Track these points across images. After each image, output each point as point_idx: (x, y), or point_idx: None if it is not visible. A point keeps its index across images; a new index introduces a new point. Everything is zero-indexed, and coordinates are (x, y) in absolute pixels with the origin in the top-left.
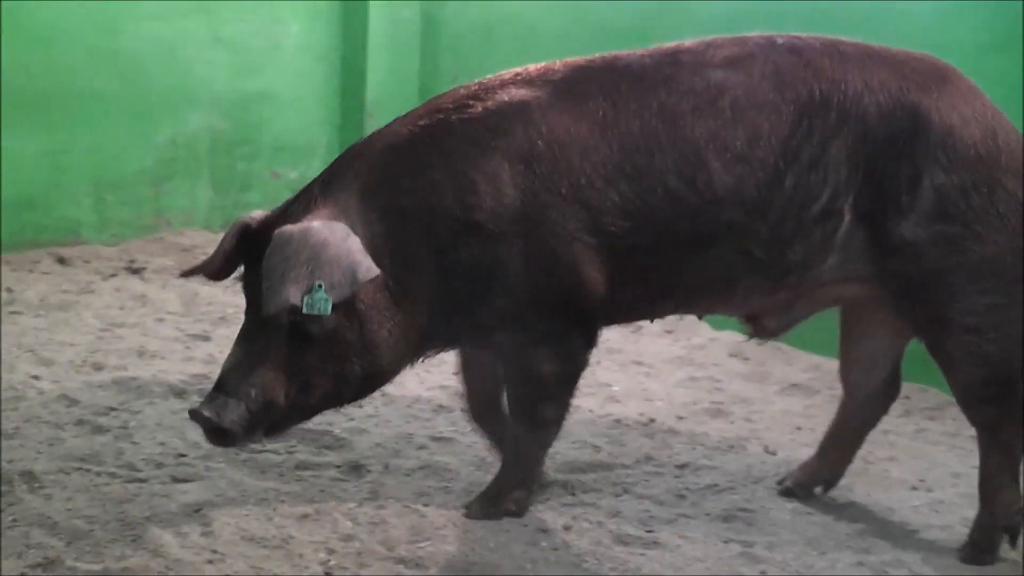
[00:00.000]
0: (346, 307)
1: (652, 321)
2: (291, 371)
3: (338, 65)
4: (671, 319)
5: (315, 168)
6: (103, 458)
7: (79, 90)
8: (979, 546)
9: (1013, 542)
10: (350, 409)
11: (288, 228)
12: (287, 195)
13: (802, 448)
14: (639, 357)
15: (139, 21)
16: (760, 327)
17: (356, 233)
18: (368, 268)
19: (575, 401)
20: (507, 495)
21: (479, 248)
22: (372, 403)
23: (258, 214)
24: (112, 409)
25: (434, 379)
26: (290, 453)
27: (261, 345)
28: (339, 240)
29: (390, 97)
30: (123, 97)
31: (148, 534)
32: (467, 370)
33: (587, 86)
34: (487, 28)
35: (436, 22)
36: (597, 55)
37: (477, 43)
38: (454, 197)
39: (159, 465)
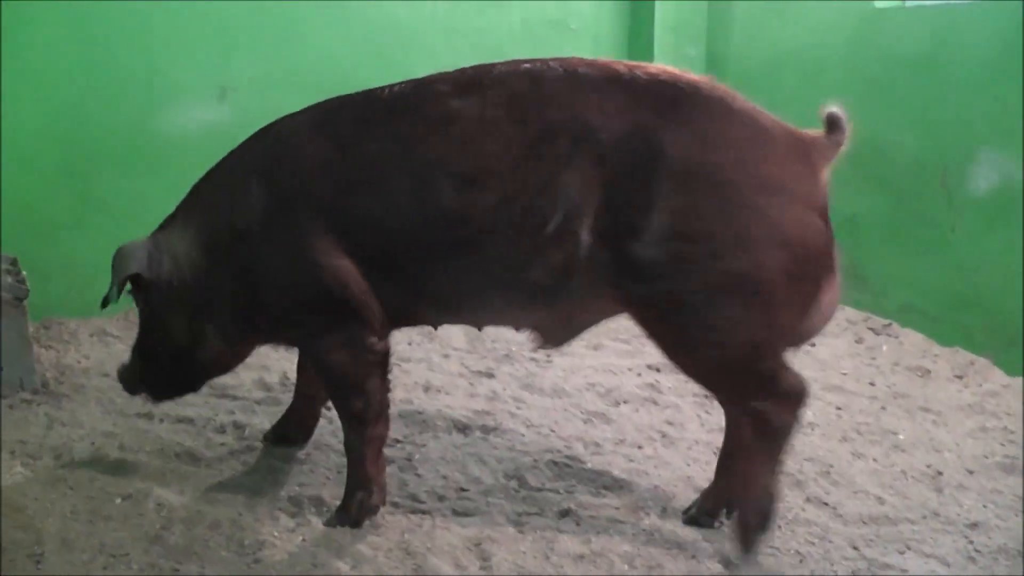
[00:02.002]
0: (149, 299)
1: (436, 328)
2: (139, 351)
3: None
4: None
5: None
6: (387, 488)
7: None
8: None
9: (761, 527)
10: (630, 450)
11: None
12: None
13: None
14: (926, 403)
15: (433, 70)
16: (543, 338)
17: (166, 245)
18: (127, 267)
19: (854, 448)
20: (350, 498)
21: (245, 252)
22: (652, 445)
23: None
24: (397, 441)
25: (714, 421)
26: (569, 493)
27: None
28: (125, 252)
29: None
30: None
31: (428, 564)
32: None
33: (342, 113)
34: (772, 65)
35: (721, 60)
36: (365, 90)
37: (762, 80)
38: (228, 210)
39: (441, 498)
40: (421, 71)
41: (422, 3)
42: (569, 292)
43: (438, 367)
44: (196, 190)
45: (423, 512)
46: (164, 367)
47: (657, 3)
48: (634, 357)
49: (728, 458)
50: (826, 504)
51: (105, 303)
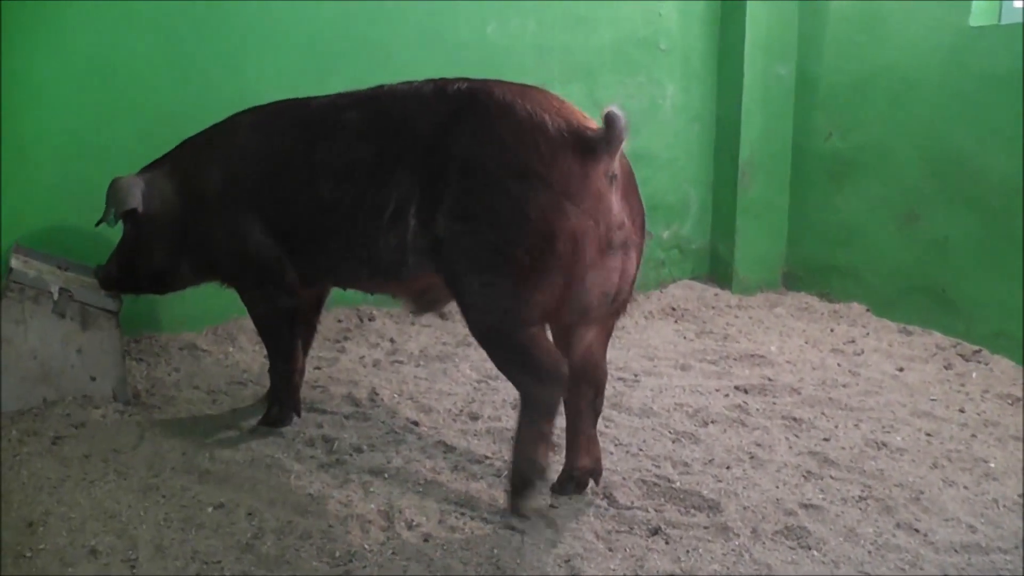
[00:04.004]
0: (138, 228)
1: (345, 289)
2: (118, 257)
3: (712, 125)
4: None
5: (688, 227)
6: (477, 504)
7: None
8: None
9: (522, 492)
10: (720, 471)
11: (114, 178)
12: (659, 255)
13: None
14: (1018, 432)
15: None
16: (410, 306)
17: (157, 186)
18: (127, 203)
19: (944, 474)
20: (269, 410)
21: (204, 215)
22: (741, 466)
23: None
24: (486, 457)
25: (803, 444)
26: (658, 511)
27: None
28: (124, 186)
29: (763, 156)
30: None
31: None
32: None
33: (279, 118)
34: (863, 84)
35: (811, 79)
36: (300, 98)
37: (852, 98)
38: (196, 177)
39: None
40: None
41: (512, 22)
42: (407, 268)
43: None
44: (183, 147)
45: (512, 528)
46: (139, 278)
47: (748, 23)
48: (721, 378)
49: (570, 434)
50: (917, 531)
51: (98, 224)
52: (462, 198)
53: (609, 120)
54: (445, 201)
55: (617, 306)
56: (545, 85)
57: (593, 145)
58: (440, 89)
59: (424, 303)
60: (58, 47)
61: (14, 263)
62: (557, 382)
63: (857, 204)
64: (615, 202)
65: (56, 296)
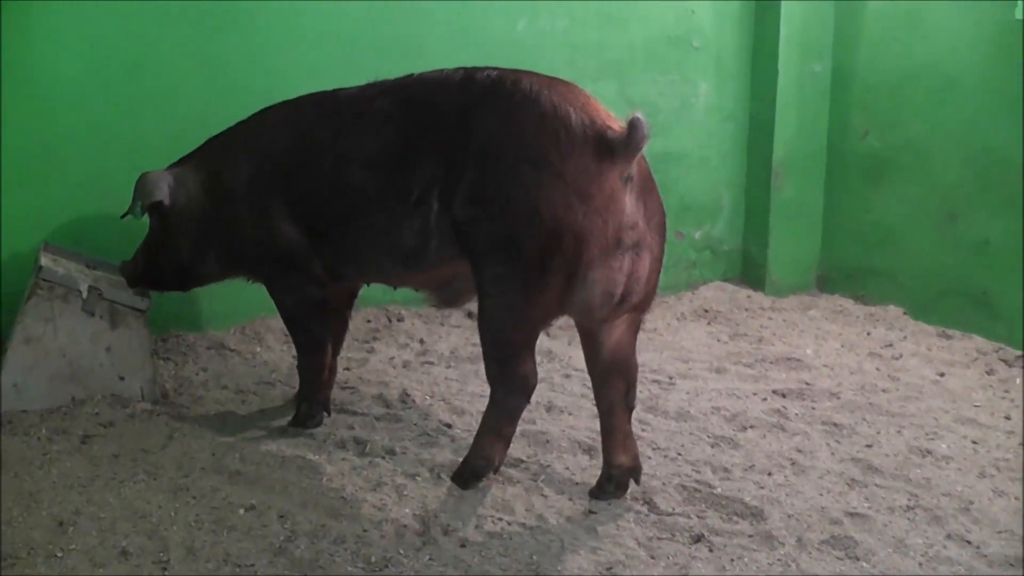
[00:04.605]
0: (165, 221)
1: (369, 285)
2: (144, 252)
3: (746, 124)
4: None
5: (719, 228)
6: (514, 508)
7: None
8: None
9: (470, 482)
10: (761, 477)
11: (143, 172)
12: (690, 255)
13: None
14: None
15: None
16: (433, 299)
17: (184, 181)
18: (154, 195)
19: (994, 484)
20: (299, 408)
21: (232, 208)
22: (783, 472)
23: None
24: (522, 461)
25: (844, 450)
26: (700, 518)
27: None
28: (152, 180)
29: (797, 155)
30: None
31: None
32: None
33: (306, 109)
34: (901, 80)
35: (847, 76)
36: (328, 90)
37: (890, 96)
38: (225, 171)
39: (569, 519)
40: None
41: (543, 19)
42: (429, 253)
43: (559, 387)
44: (210, 143)
45: (551, 533)
46: (165, 272)
47: (782, 19)
48: (758, 382)
49: (604, 432)
50: (968, 543)
51: (124, 216)
52: (478, 182)
53: (632, 124)
54: (463, 184)
55: (638, 305)
56: (576, 83)
57: (612, 146)
58: (469, 76)
59: (447, 295)
60: (86, 43)
61: (43, 261)
62: (527, 393)
63: (894, 204)
64: (629, 202)
65: (85, 294)
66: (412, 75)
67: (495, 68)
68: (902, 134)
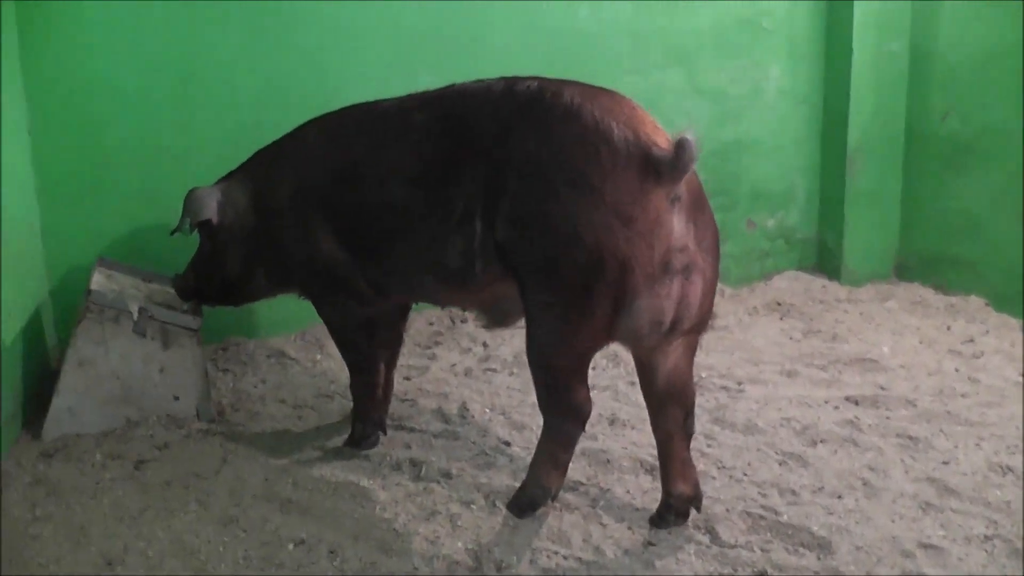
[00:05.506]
0: (214, 239)
1: (415, 304)
2: (194, 268)
3: (820, 108)
4: None
5: (793, 216)
6: (570, 539)
7: None
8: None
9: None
10: (831, 502)
11: (191, 189)
12: (763, 245)
13: None
14: None
15: (618, 75)
16: (483, 319)
17: (232, 197)
18: (202, 213)
19: None
20: (353, 429)
21: (277, 225)
22: (853, 495)
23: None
24: (580, 484)
25: (920, 468)
26: (764, 551)
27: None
28: (200, 197)
29: (874, 140)
30: None
31: None
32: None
33: (346, 122)
34: (982, 62)
35: (927, 56)
36: (368, 103)
37: (972, 77)
38: (269, 188)
39: (626, 552)
40: (606, 77)
41: (606, 7)
42: (474, 275)
43: (624, 396)
44: (255, 157)
45: (607, 569)
46: (215, 288)
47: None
48: (830, 387)
49: (663, 458)
50: None
51: (173, 233)
52: (517, 203)
53: (680, 145)
54: (504, 204)
55: (692, 328)
56: (641, 72)
57: (658, 167)
58: (509, 88)
59: (496, 315)
60: (140, 53)
61: (94, 283)
62: (581, 421)
63: (976, 191)
64: (677, 224)
65: (136, 316)
66: (452, 86)
67: (537, 78)
68: (985, 117)
